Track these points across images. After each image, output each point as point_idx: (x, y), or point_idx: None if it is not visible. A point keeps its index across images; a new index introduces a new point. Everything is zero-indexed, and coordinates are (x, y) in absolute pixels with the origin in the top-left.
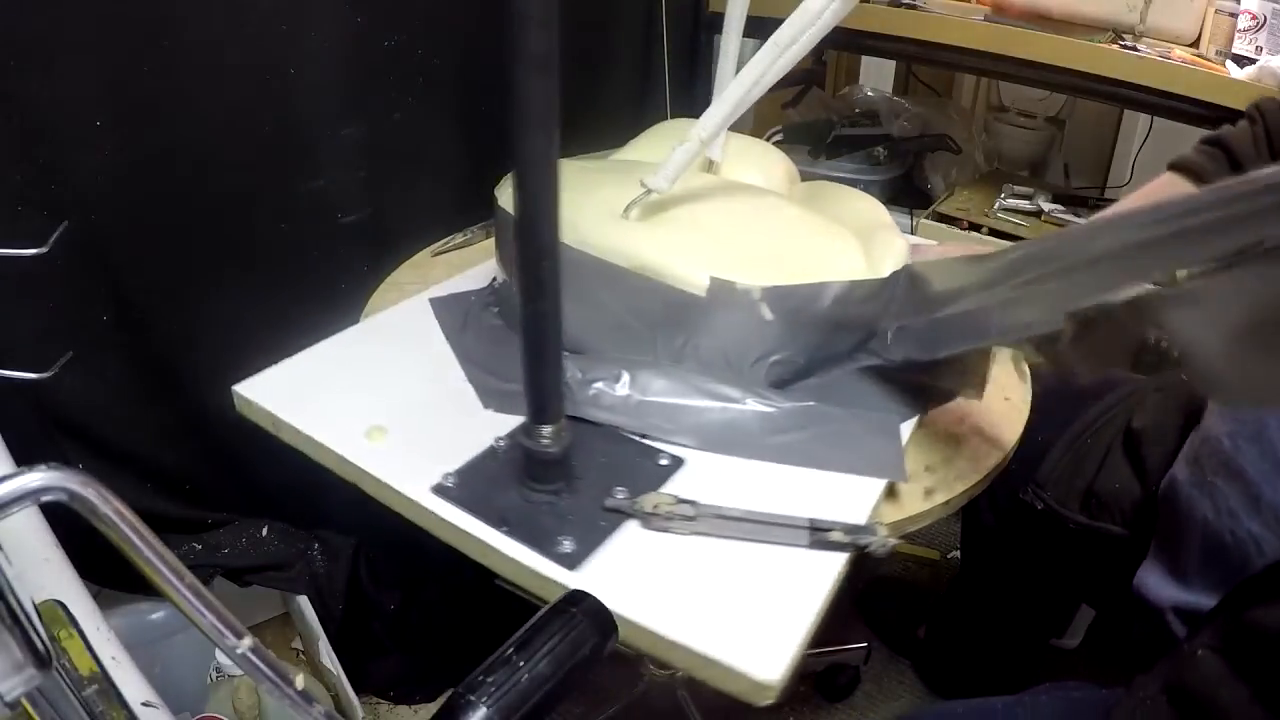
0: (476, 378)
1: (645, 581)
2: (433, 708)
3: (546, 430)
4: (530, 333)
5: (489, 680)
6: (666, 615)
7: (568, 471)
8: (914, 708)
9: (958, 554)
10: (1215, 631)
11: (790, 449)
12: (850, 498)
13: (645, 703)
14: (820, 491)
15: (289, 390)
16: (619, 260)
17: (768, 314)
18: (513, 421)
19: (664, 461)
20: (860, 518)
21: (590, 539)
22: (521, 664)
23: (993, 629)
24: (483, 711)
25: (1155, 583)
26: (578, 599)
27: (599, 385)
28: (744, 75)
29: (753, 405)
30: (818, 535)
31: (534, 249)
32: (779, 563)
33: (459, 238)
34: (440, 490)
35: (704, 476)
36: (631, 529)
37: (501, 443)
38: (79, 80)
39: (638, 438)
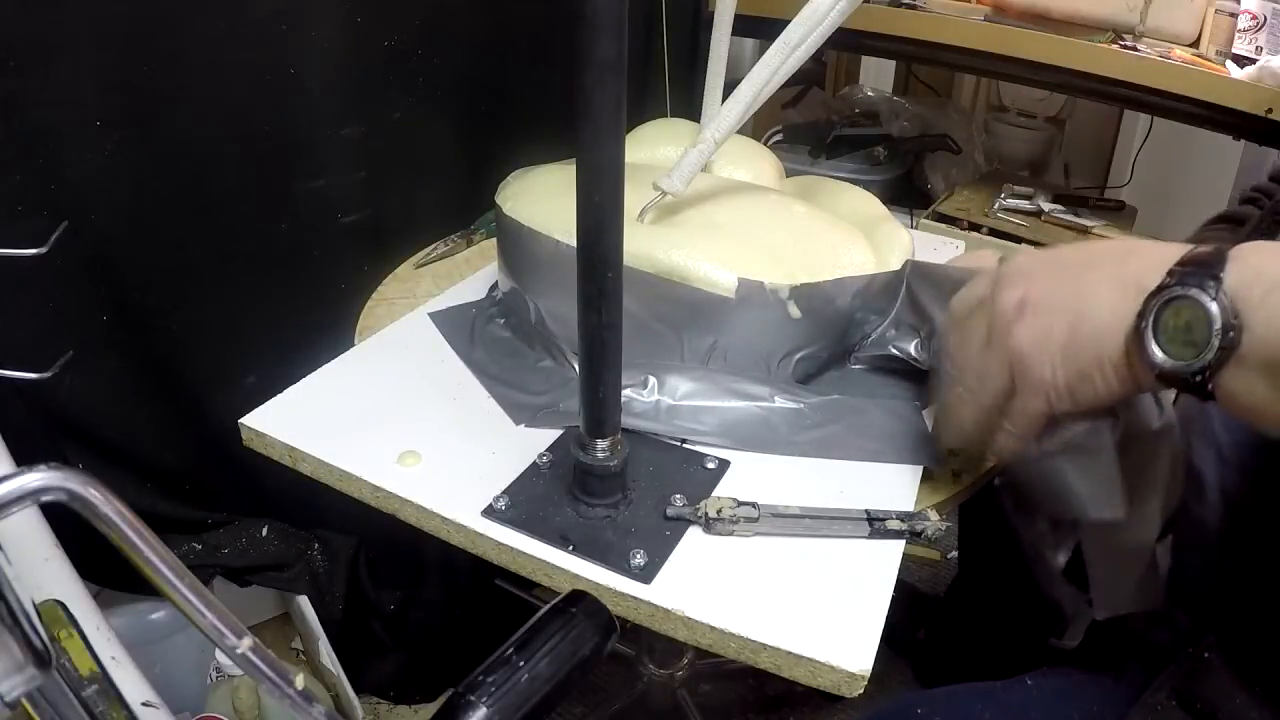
0: (501, 394)
1: (720, 587)
2: (433, 708)
3: (603, 444)
4: (589, 346)
5: (489, 680)
6: (749, 618)
7: (624, 484)
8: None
9: (957, 554)
10: (1217, 635)
11: (824, 443)
12: (890, 486)
13: (645, 703)
14: (859, 483)
15: (302, 419)
16: (642, 265)
17: (795, 312)
18: (547, 436)
19: (711, 465)
20: (908, 504)
21: (659, 550)
22: (521, 664)
23: (992, 627)
24: (483, 711)
25: None
26: (577, 599)
27: (627, 392)
28: (755, 75)
29: (781, 402)
30: (876, 525)
31: (598, 260)
32: (842, 555)
33: (441, 247)
34: (491, 513)
35: (746, 476)
36: (693, 535)
37: (545, 459)
38: (79, 80)
39: (678, 443)
